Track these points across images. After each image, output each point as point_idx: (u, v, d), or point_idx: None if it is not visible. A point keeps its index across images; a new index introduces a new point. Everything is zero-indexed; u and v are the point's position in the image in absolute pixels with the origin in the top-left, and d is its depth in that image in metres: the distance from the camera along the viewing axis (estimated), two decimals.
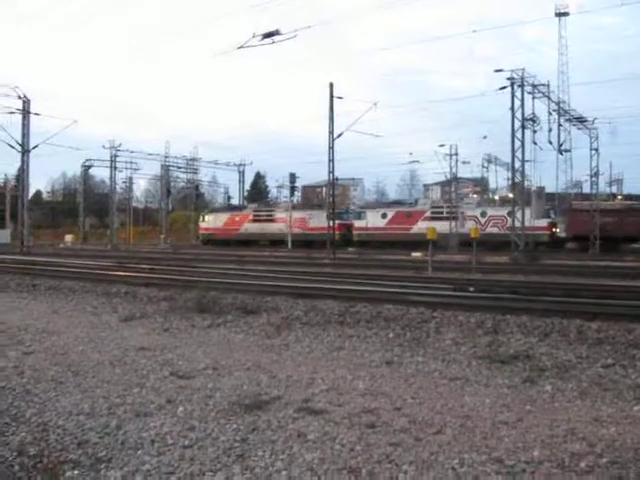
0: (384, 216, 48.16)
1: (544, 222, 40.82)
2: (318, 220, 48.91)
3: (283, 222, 51.95)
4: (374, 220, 47.27)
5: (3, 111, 38.02)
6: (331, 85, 34.69)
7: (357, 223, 48.28)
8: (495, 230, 41.82)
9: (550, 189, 50.65)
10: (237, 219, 55.77)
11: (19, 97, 38.83)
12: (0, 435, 4.58)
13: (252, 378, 6.10)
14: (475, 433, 4.42)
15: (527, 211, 39.56)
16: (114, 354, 7.33)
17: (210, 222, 57.59)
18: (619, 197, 54.92)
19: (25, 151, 39.54)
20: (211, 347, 7.84)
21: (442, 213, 45.76)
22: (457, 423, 4.65)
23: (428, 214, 46.28)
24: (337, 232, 47.19)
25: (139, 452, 4.19)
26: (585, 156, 40.93)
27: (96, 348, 7.74)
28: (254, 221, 54.48)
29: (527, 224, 34.86)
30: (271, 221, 53.66)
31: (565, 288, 13.79)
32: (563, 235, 42.40)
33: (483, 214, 44.20)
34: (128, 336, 8.66)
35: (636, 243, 39.99)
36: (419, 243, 41.16)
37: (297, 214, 51.70)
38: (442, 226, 42.41)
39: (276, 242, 51.14)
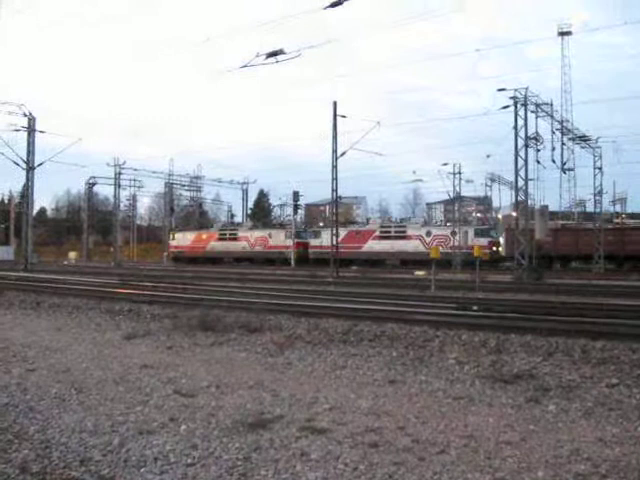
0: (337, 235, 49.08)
1: (485, 241, 41.49)
2: (277, 239, 51.29)
3: (245, 240, 53.86)
4: (328, 239, 47.77)
5: (9, 128, 38.37)
6: (334, 104, 34.89)
7: (313, 242, 49.61)
8: (440, 249, 42.66)
9: (554, 208, 50.57)
10: (204, 237, 57.35)
11: (24, 115, 39.15)
12: (3, 452, 4.57)
13: (255, 396, 6.09)
14: (479, 453, 4.40)
15: (470, 231, 43.16)
16: (117, 372, 7.33)
17: (179, 240, 58.98)
18: (623, 216, 54.85)
19: (30, 168, 39.72)
20: (214, 365, 7.83)
21: (390, 232, 47.68)
22: (461, 443, 4.63)
23: (377, 233, 47.92)
24: (295, 250, 48.12)
25: (142, 470, 4.18)
26: (589, 175, 40.93)
27: (99, 365, 7.74)
28: (219, 240, 56.09)
29: (469, 243, 38.54)
30: (234, 240, 55.10)
31: (569, 307, 13.74)
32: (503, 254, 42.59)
33: (428, 233, 45.79)
34: (131, 354, 8.67)
35: (570, 262, 40.67)
36: (368, 261, 45.05)
37: (258, 233, 53.59)
38: (390, 245, 46.00)
39: (240, 259, 53.12)
